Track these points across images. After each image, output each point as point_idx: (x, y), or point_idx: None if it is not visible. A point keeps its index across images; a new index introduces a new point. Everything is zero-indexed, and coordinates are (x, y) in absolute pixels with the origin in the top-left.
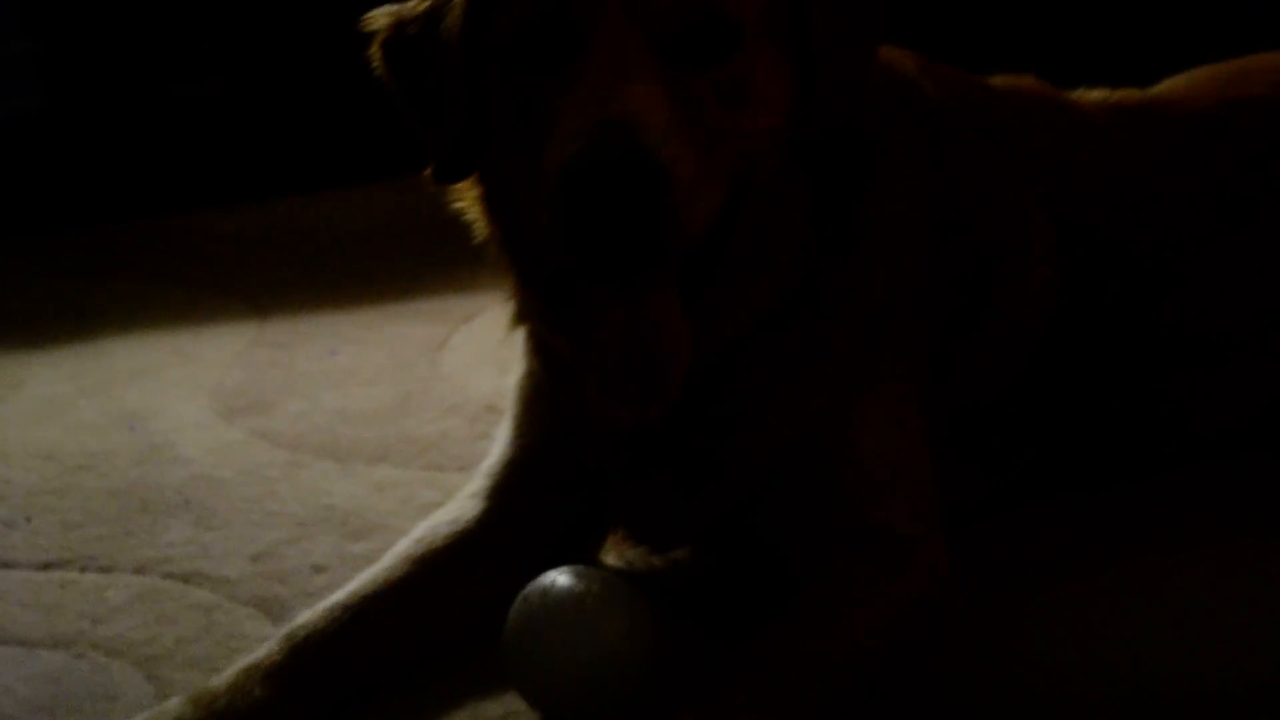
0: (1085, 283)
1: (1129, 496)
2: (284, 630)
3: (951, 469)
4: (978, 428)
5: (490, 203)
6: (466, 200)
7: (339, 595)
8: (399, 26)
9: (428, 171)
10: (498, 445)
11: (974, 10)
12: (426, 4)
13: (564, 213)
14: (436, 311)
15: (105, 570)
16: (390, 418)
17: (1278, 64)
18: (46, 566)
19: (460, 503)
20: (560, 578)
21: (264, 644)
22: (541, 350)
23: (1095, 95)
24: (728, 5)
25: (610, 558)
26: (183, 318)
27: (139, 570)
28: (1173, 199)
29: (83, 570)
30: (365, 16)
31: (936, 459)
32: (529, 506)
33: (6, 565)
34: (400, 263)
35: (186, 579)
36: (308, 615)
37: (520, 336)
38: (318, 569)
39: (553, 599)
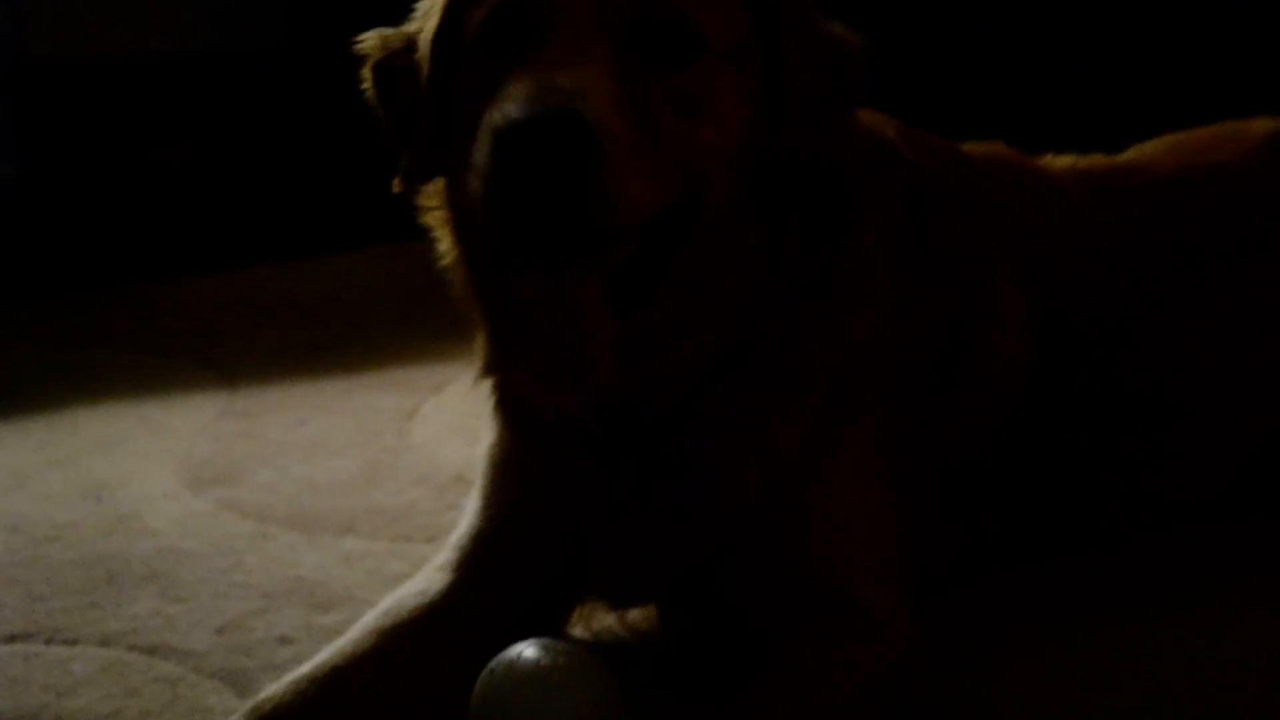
0: (1057, 347)
1: (1100, 564)
2: (249, 704)
3: (920, 534)
4: (947, 492)
5: (453, 210)
6: (433, 216)
7: (305, 668)
8: (386, 46)
9: (396, 181)
10: (466, 516)
11: (940, 78)
12: (414, 25)
13: (493, 174)
14: (406, 381)
15: (70, 643)
16: (358, 488)
17: (1242, 131)
18: (11, 639)
19: (428, 575)
20: (527, 650)
21: (229, 718)
22: (506, 403)
23: (1063, 162)
24: (692, 16)
25: (578, 630)
26: (152, 387)
27: (104, 643)
28: (1142, 264)
29: (48, 642)
30: (357, 39)
31: (905, 524)
32: (497, 578)
33: None
34: (370, 332)
35: (152, 651)
36: (274, 688)
37: (488, 403)
38: (284, 641)
39: (518, 672)
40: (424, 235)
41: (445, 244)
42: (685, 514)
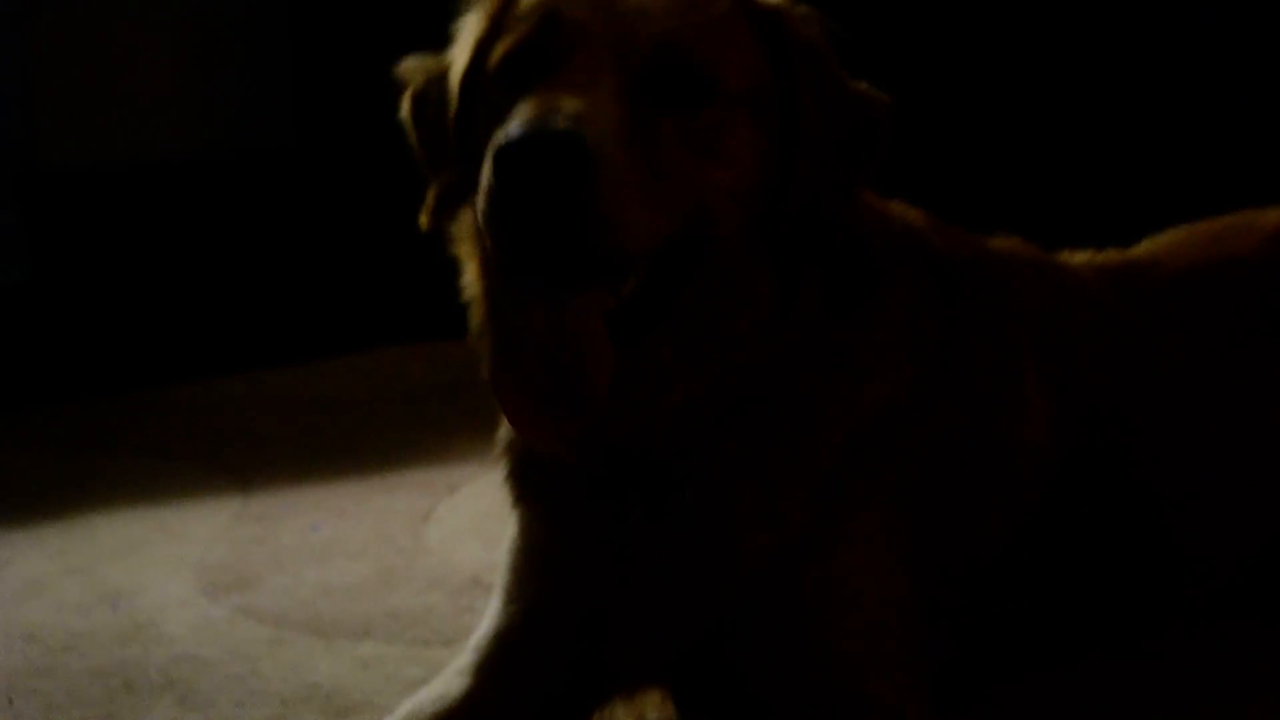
0: (1078, 439)
1: (1123, 662)
2: None
3: (938, 631)
4: (964, 585)
5: (476, 241)
6: (462, 251)
7: None
8: (425, 75)
9: (422, 216)
10: (486, 618)
11: (950, 172)
12: (451, 54)
13: (494, 192)
14: (421, 483)
15: None
16: (374, 592)
17: (1254, 222)
18: None
19: (447, 679)
20: None
21: None
22: (519, 472)
23: (1080, 258)
24: (708, 61)
25: None
26: (167, 492)
27: None
28: (1162, 357)
29: None
30: (398, 65)
31: (920, 616)
32: (517, 680)
33: None
34: (383, 433)
35: None
36: None
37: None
38: None
39: None
40: (432, 336)
41: (470, 276)
42: (692, 569)
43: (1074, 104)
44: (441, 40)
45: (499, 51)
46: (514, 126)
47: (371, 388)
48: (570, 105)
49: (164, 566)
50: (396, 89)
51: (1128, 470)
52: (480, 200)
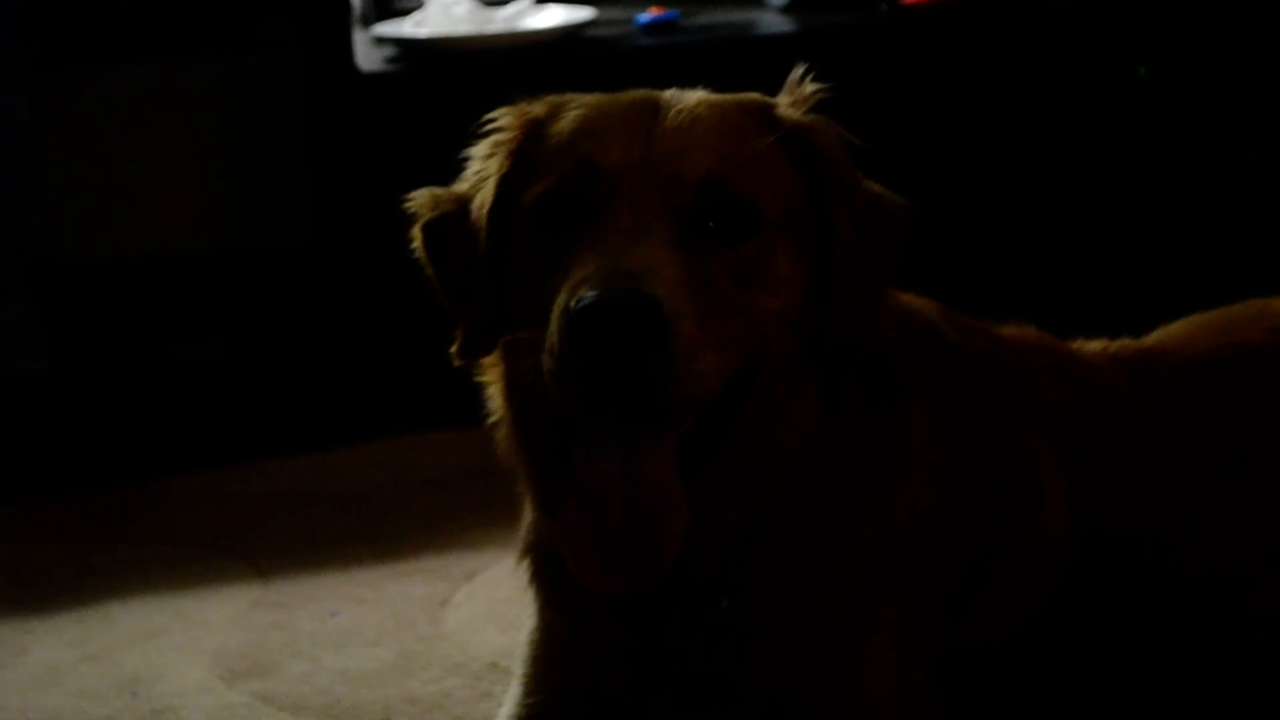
0: (1097, 529)
1: None
2: None
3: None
4: (984, 677)
5: (508, 376)
6: (489, 377)
7: None
8: (438, 207)
9: (454, 348)
10: (506, 705)
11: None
12: (465, 186)
13: (568, 354)
14: (438, 568)
15: None
16: (393, 678)
17: (1267, 309)
18: None
19: None
20: None
21: None
22: (543, 575)
23: (1094, 346)
24: (748, 191)
25: None
26: (184, 580)
27: None
28: (1178, 445)
29: None
30: (408, 197)
31: (942, 710)
32: None
33: None
34: (400, 520)
35: None
36: None
37: (530, 583)
38: None
39: None
40: (449, 424)
41: (497, 403)
42: (723, 674)
43: (1085, 192)
44: (453, 139)
45: (533, 194)
46: (586, 292)
47: (387, 475)
48: (635, 261)
49: (182, 653)
50: (411, 188)
51: (1143, 560)
52: (548, 359)
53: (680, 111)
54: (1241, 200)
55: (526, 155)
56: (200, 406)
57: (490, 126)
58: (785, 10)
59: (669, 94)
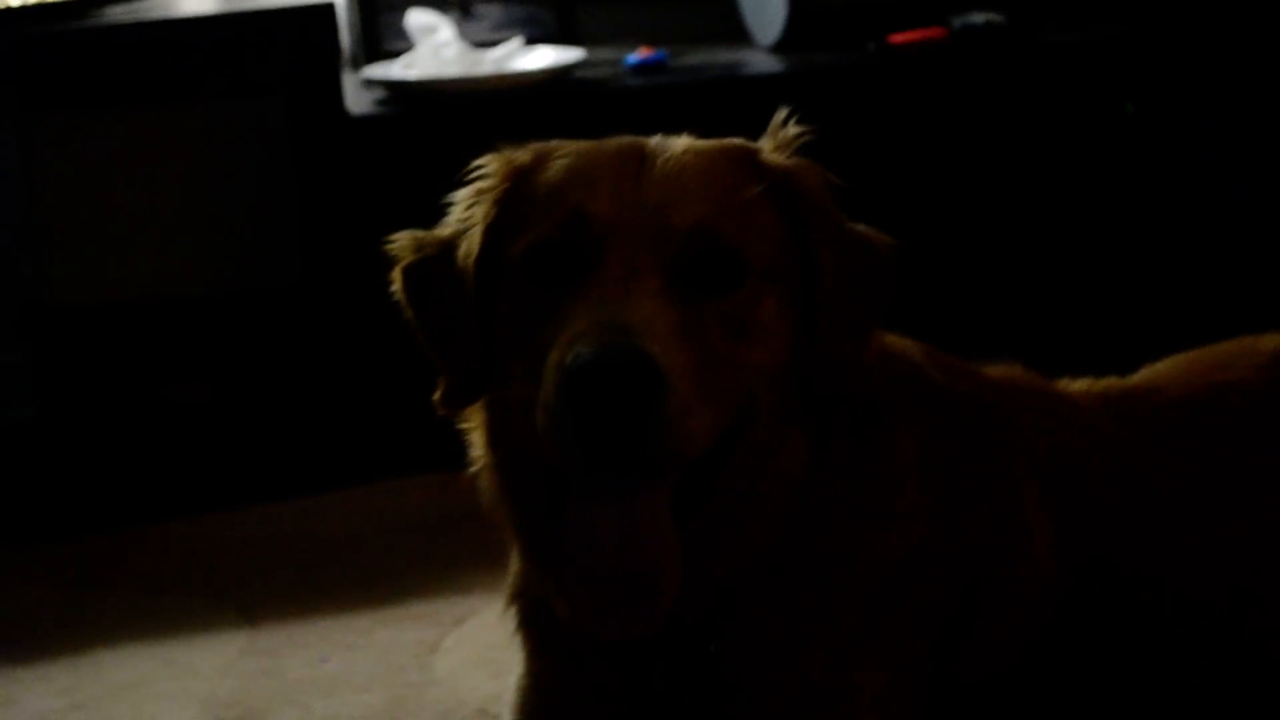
0: (1082, 568)
1: None
2: None
3: None
4: (975, 714)
5: (493, 426)
6: (472, 424)
7: None
8: (420, 250)
9: (437, 395)
10: None
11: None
12: (448, 230)
13: (563, 411)
14: (428, 614)
15: None
16: None
17: (1253, 348)
18: None
19: None
20: None
21: None
22: (532, 624)
23: (1080, 385)
24: (736, 241)
25: None
26: (174, 627)
27: None
28: (1164, 486)
29: None
30: (389, 239)
31: None
32: None
33: None
34: (389, 565)
35: None
36: None
37: (517, 630)
38: None
39: None
40: (437, 468)
41: (479, 451)
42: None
43: (1074, 229)
44: (443, 181)
45: (522, 243)
46: (581, 349)
47: (376, 520)
48: (628, 315)
49: (171, 701)
50: (401, 231)
51: (1131, 596)
52: (542, 415)
53: (668, 160)
54: (1228, 237)
55: (513, 204)
56: (189, 451)
57: (476, 174)
58: (774, 50)
59: (654, 141)
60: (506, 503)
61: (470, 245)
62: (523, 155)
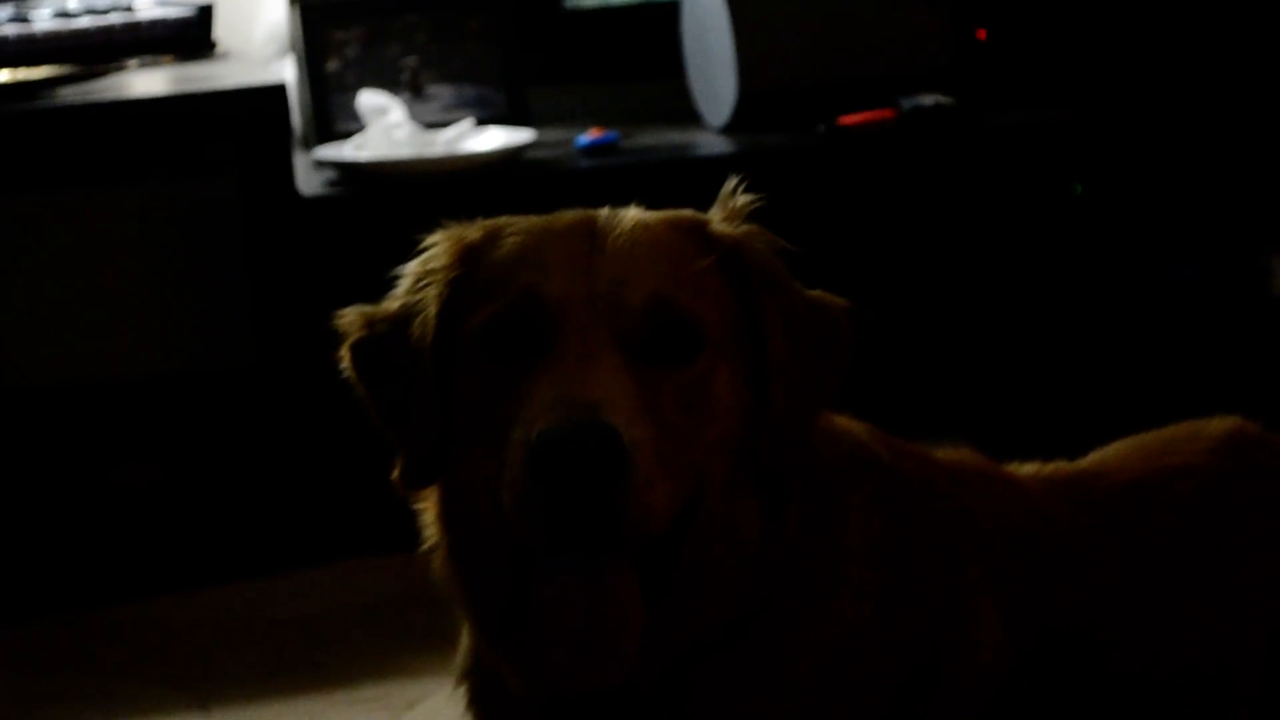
0: (1030, 650)
1: None
2: None
3: None
4: None
5: (448, 504)
6: (425, 503)
7: None
8: (370, 327)
9: (395, 474)
10: None
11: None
12: (397, 304)
13: (530, 488)
14: (380, 697)
15: None
16: None
17: (1200, 431)
18: None
19: None
20: None
21: None
22: (480, 702)
23: (1029, 469)
24: (691, 312)
25: None
26: (126, 712)
27: None
28: (1113, 568)
29: None
30: (336, 314)
31: None
32: None
33: None
34: (342, 648)
35: None
36: None
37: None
38: None
39: None
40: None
41: (432, 531)
42: None
43: (1024, 309)
44: (395, 262)
45: (477, 322)
46: (543, 423)
47: (328, 603)
48: (591, 391)
49: None
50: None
51: (1076, 679)
52: (507, 493)
53: (619, 235)
54: (1176, 317)
55: (465, 282)
56: (142, 533)
57: (426, 250)
58: (724, 131)
59: (604, 214)
60: (460, 580)
61: (425, 324)
62: (473, 232)
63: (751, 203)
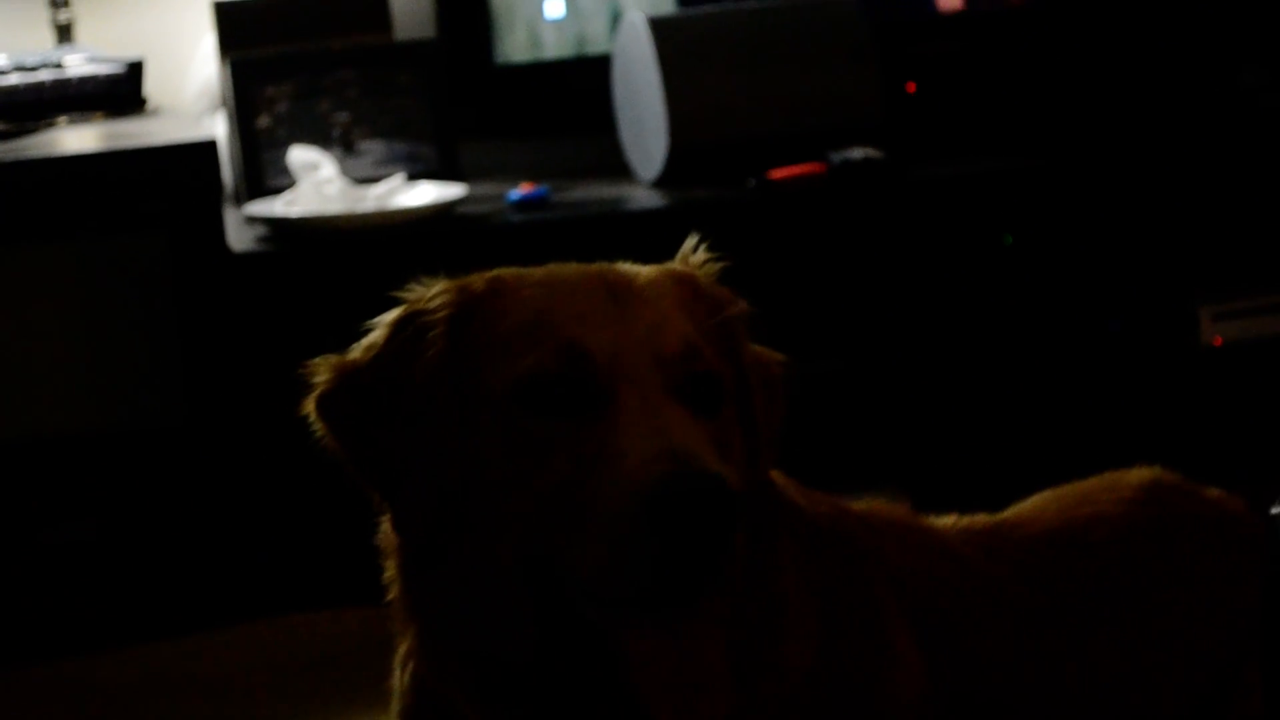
0: (952, 696)
1: None
2: None
3: None
4: None
5: (446, 572)
6: (389, 548)
7: None
8: (345, 378)
9: (386, 529)
10: None
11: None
12: (374, 352)
13: (645, 538)
14: None
15: None
16: None
17: (1119, 481)
18: None
19: None
20: None
21: None
22: None
23: (947, 520)
24: (713, 363)
25: None
26: None
27: None
28: (1030, 616)
29: None
30: (306, 365)
31: None
32: None
33: None
34: (273, 706)
35: None
36: None
37: None
38: None
39: None
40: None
41: (391, 573)
42: None
43: (953, 360)
44: (327, 318)
45: (508, 375)
46: (655, 473)
47: (258, 660)
48: (687, 442)
49: None
50: (284, 368)
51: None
52: (598, 546)
53: (641, 286)
54: (1109, 369)
55: (471, 335)
56: (69, 591)
57: (428, 303)
58: (655, 186)
59: (604, 267)
60: (464, 659)
61: (428, 371)
62: (476, 283)
63: (712, 259)
